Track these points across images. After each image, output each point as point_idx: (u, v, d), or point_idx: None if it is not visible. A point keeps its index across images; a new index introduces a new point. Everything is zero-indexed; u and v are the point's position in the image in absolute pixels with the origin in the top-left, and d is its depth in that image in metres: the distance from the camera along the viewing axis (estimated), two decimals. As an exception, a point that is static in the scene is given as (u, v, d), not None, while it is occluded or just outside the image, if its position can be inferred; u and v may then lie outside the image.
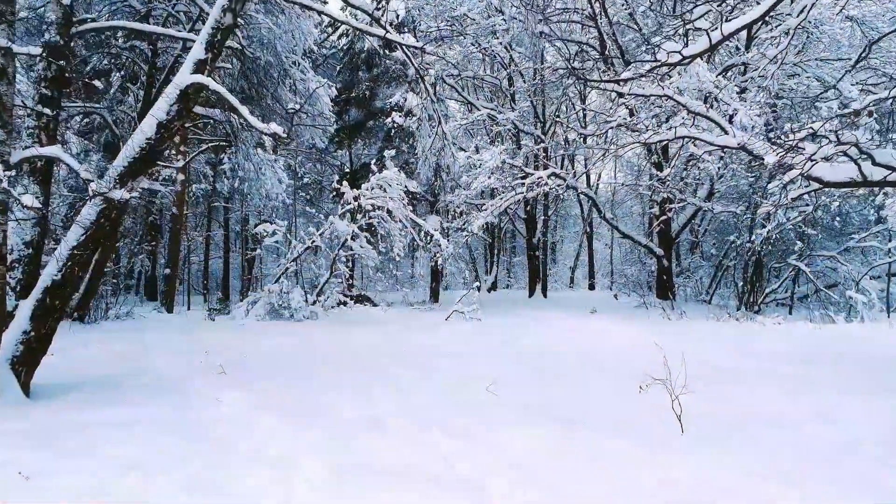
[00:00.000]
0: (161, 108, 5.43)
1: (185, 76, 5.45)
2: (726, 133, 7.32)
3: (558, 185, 14.96)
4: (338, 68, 19.39)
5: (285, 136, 4.65)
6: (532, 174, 14.92)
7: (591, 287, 30.99)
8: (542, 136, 19.10)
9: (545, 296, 21.62)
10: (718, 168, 12.66)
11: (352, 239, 12.21)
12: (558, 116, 19.54)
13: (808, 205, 13.46)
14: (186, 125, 14.28)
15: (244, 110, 5.07)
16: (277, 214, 21.12)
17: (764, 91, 9.78)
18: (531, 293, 21.59)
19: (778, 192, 11.48)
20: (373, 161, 12.73)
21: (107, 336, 9.25)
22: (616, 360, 7.27)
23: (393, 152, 12.44)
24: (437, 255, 14.23)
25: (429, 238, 15.27)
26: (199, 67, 5.26)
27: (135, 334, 9.58)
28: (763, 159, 6.96)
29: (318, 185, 20.08)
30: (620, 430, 4.02)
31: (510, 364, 7.08)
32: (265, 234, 11.51)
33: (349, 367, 6.84)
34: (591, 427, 4.12)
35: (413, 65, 7.24)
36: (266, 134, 4.74)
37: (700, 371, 5.69)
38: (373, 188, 11.55)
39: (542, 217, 21.91)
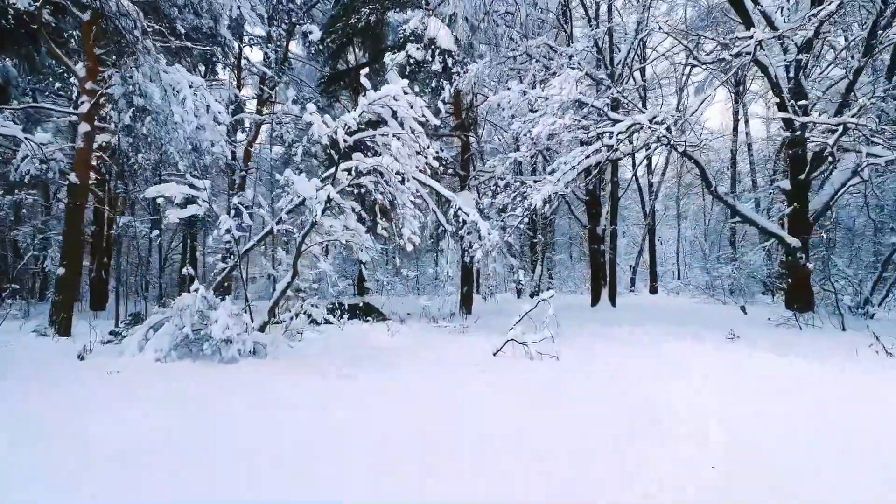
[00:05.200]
0: None
1: None
2: None
3: (660, 137, 9.56)
4: (334, -1, 14.23)
5: None
6: (621, 120, 9.58)
7: (654, 290, 25.40)
8: (611, 83, 13.69)
9: (613, 303, 16.19)
10: None
11: (335, 214, 7.05)
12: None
13: None
14: (97, 52, 9.31)
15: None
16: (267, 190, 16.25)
17: None
18: (595, 300, 16.18)
19: None
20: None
21: None
22: None
23: (398, 55, 7.27)
24: (478, 246, 9.03)
25: (460, 221, 10.09)
26: None
27: None
28: None
29: (310, 155, 15.03)
30: None
31: None
32: (165, 202, 6.38)
33: None
34: None
35: None
36: None
37: None
38: (362, 121, 6.29)
39: (610, 199, 16.46)
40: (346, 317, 10.30)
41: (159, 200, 6.52)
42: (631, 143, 10.01)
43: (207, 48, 10.28)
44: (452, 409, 4.46)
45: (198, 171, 7.82)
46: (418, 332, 9.86)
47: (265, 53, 15.95)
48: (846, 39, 15.61)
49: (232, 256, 7.26)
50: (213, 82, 16.62)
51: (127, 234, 12.12)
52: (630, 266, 27.20)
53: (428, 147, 6.30)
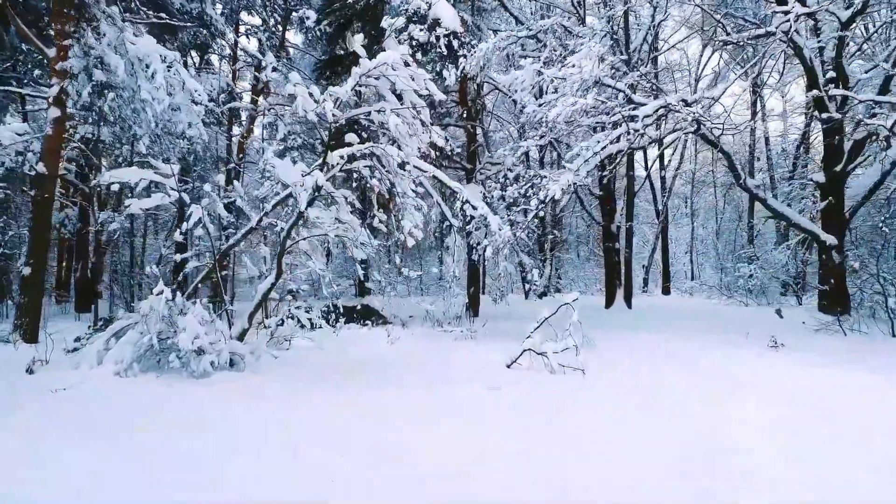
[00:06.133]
0: None
1: None
2: None
3: (693, 120, 8.62)
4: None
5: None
6: (643, 104, 8.63)
7: (666, 291, 24.40)
8: (628, 68, 12.70)
9: (629, 305, 15.23)
10: None
11: (325, 205, 6.15)
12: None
13: None
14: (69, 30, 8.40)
15: None
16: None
17: None
18: (609, 301, 15.22)
19: None
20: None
21: None
22: None
23: (397, 20, 6.37)
24: (487, 242, 8.12)
25: (467, 215, 9.17)
26: None
27: None
28: None
29: (310, 148, 14.14)
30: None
31: None
32: (116, 187, 5.45)
33: None
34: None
35: None
36: None
37: None
38: (354, 96, 5.34)
39: (625, 194, 15.51)
40: (342, 321, 9.41)
41: (114, 187, 5.61)
42: (658, 128, 9.05)
43: (193, 25, 9.38)
44: (445, 458, 3.55)
45: (174, 158, 6.91)
46: (421, 337, 8.96)
47: (260, 41, 15.09)
48: (866, 30, 14.75)
49: (210, 254, 6.34)
50: (206, 71, 15.75)
51: (108, 230, 11.24)
52: (643, 266, 26.20)
53: (432, 124, 5.39)
